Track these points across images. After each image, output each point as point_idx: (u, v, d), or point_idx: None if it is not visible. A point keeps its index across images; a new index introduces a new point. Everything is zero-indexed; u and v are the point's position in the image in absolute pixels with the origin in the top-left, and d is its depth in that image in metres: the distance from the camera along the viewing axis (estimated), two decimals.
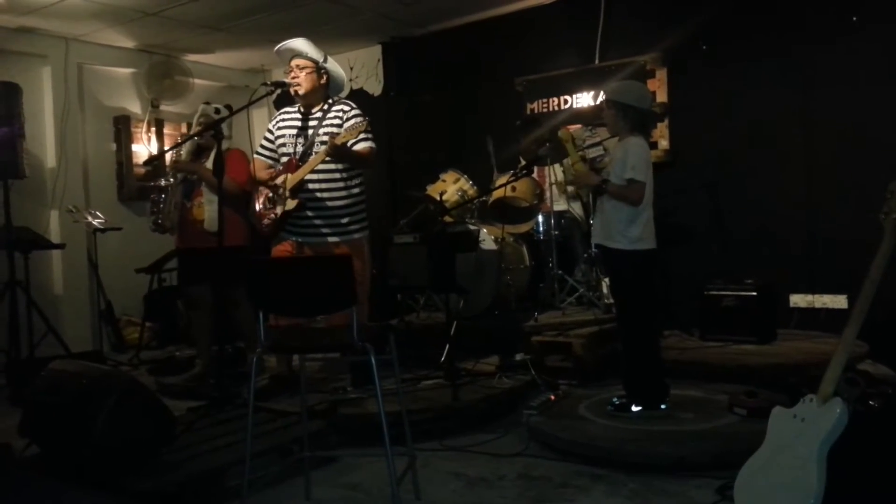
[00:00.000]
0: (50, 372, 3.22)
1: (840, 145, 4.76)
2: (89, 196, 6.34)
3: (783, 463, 2.29)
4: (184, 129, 6.78)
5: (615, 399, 3.56)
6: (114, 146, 6.65)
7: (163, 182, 4.41)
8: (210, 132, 4.22)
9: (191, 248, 4.42)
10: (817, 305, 4.82)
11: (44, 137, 6.12)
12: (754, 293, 4.58)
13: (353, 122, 3.91)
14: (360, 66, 6.99)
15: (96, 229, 5.67)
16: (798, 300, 4.88)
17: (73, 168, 6.24)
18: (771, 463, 2.34)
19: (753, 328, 4.54)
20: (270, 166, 4.13)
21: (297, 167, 3.94)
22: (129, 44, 6.49)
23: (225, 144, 4.39)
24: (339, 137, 3.76)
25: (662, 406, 3.46)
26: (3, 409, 4.35)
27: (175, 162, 4.40)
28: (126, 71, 6.72)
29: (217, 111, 4.48)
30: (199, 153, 4.46)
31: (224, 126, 4.39)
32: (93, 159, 6.47)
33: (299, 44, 4.01)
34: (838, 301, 4.72)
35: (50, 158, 6.16)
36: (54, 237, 5.89)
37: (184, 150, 4.47)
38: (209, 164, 4.37)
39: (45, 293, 5.77)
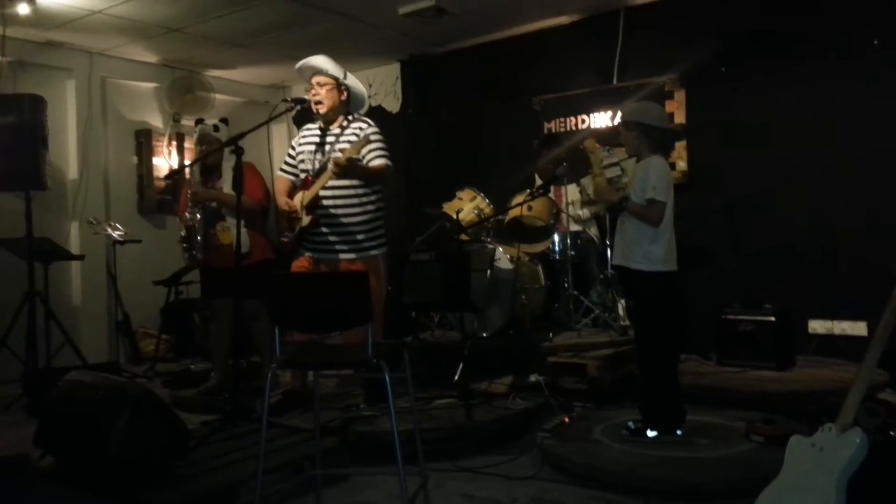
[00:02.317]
0: (67, 383, 3.25)
1: (860, 169, 4.72)
2: (109, 208, 6.41)
3: (801, 493, 2.26)
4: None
5: (631, 423, 3.52)
6: (135, 159, 6.73)
7: (187, 216, 4.43)
8: (217, 150, 4.31)
9: (218, 268, 4.44)
10: (836, 332, 4.76)
11: (66, 149, 6.20)
12: (773, 318, 4.53)
13: (361, 137, 3.92)
14: (378, 84, 7.05)
15: (116, 241, 5.72)
16: (817, 326, 4.83)
17: (94, 180, 6.32)
18: (789, 492, 2.30)
19: (772, 354, 4.48)
20: (293, 182, 4.16)
21: (313, 184, 3.96)
22: (152, 59, 6.58)
23: (232, 160, 4.44)
24: (345, 153, 3.76)
25: (679, 432, 3.42)
26: (20, 418, 4.39)
27: (194, 194, 4.44)
28: (149, 85, 6.81)
29: (215, 128, 4.54)
30: (207, 173, 4.50)
31: (225, 139, 4.45)
32: (114, 172, 6.54)
33: (320, 61, 4.05)
34: (858, 328, 4.66)
35: (72, 170, 6.23)
36: (74, 248, 5.95)
37: (194, 174, 4.51)
38: (223, 184, 4.43)
39: (63, 304, 5.82)
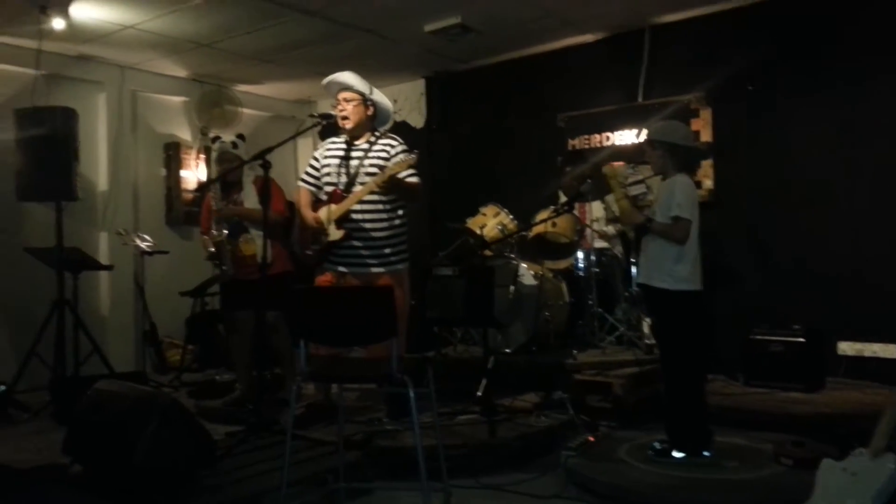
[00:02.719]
0: (95, 391, 3.29)
1: (890, 189, 4.66)
2: (138, 219, 6.49)
3: None
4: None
5: (656, 444, 3.48)
6: (163, 171, 6.81)
7: (214, 233, 4.50)
8: (242, 166, 4.39)
9: (239, 279, 4.49)
10: (867, 354, 4.68)
11: (97, 161, 6.29)
12: (802, 339, 4.48)
13: (401, 156, 3.96)
14: (403, 99, 7.09)
15: (144, 252, 5.79)
16: (846, 348, 4.75)
17: (123, 191, 6.41)
18: None
19: (800, 375, 4.42)
20: (314, 194, 4.20)
21: (342, 198, 3.99)
22: (181, 73, 6.69)
23: (252, 175, 4.51)
24: (389, 170, 3.81)
25: (706, 453, 3.38)
26: (48, 425, 4.44)
27: (218, 212, 4.51)
28: (178, 99, 6.90)
29: (233, 145, 4.61)
30: (228, 188, 4.57)
31: (244, 155, 4.52)
32: (143, 183, 6.63)
33: (346, 77, 4.09)
34: (889, 350, 4.58)
35: (102, 182, 6.33)
36: (103, 258, 6.02)
37: (215, 190, 4.58)
38: (244, 198, 4.50)
39: (91, 313, 5.89)
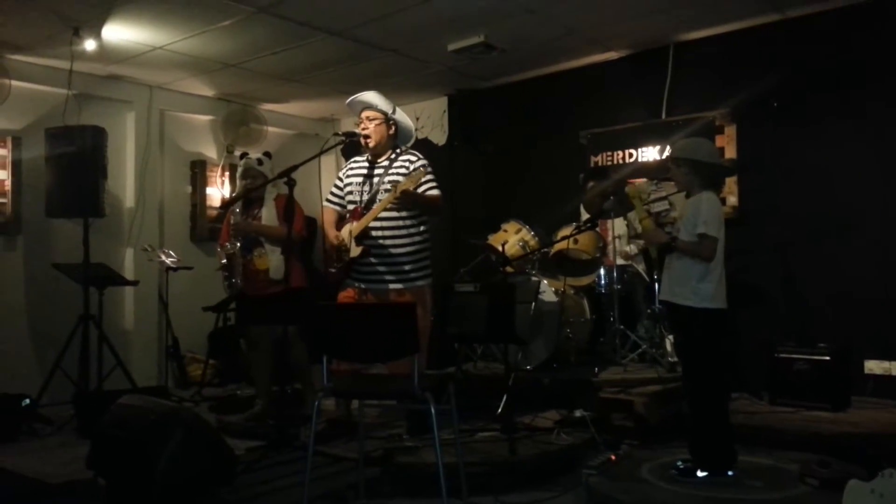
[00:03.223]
0: (119, 406, 3.32)
1: None
2: (164, 235, 6.58)
3: None
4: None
5: (679, 463, 3.44)
6: (189, 188, 6.92)
7: (228, 246, 4.56)
8: (266, 184, 4.46)
9: (253, 295, 4.53)
10: (894, 373, 4.59)
11: (124, 178, 6.40)
12: (827, 357, 4.40)
13: (417, 170, 3.99)
14: (425, 117, 7.14)
15: (168, 268, 5.86)
16: (873, 367, 4.66)
17: (150, 208, 6.51)
18: None
19: (826, 394, 4.35)
20: (339, 213, 4.24)
21: (362, 215, 4.03)
22: (208, 92, 6.80)
23: (274, 192, 4.57)
24: (403, 184, 3.84)
25: (730, 472, 3.32)
26: (71, 439, 4.49)
27: (235, 225, 4.57)
28: (204, 118, 7.02)
29: (259, 161, 4.67)
30: (248, 204, 4.63)
31: (268, 172, 4.58)
32: (169, 200, 6.73)
33: (370, 97, 4.15)
34: None
35: (129, 198, 6.43)
36: (128, 274, 6.10)
37: (236, 205, 4.66)
38: (262, 214, 4.57)
39: (116, 328, 5.97)
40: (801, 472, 3.32)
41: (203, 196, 6.90)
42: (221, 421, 4.64)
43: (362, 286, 4.08)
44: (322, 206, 4.40)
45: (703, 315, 3.36)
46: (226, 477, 3.20)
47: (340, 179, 4.30)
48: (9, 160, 5.63)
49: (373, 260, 4.02)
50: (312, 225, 7.15)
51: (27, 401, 4.74)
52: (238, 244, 4.54)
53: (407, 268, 4.05)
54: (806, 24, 5.03)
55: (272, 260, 4.48)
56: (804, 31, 5.04)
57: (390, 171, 4.08)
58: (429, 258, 4.18)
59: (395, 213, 4.00)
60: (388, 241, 4.02)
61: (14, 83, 5.46)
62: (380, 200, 4.01)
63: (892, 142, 4.71)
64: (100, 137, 5.24)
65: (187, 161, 6.93)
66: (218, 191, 7.00)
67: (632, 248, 5.35)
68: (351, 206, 4.17)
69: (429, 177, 4.03)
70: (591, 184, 5.59)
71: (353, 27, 5.14)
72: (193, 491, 3.03)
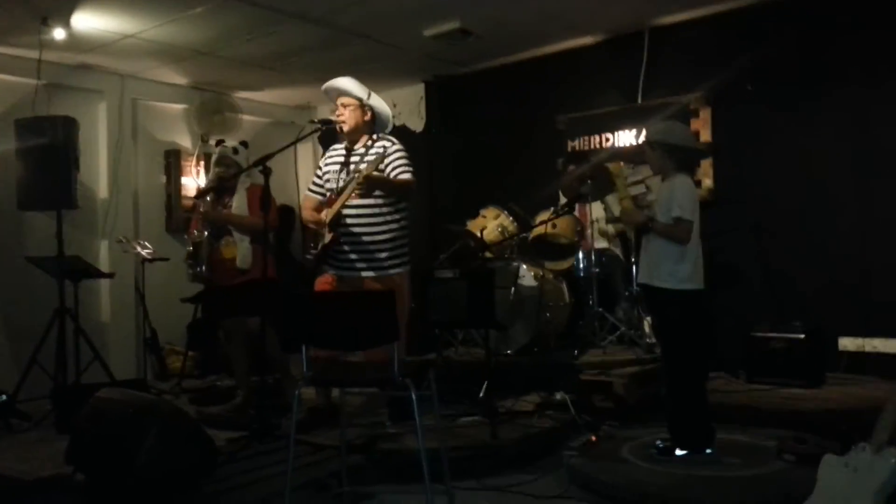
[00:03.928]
0: (96, 400, 3.29)
1: (889, 186, 4.66)
2: (138, 227, 6.50)
3: None
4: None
5: (659, 442, 3.48)
6: (163, 178, 6.83)
7: (196, 234, 4.54)
8: (243, 172, 4.43)
9: (220, 285, 4.51)
10: (867, 349, 4.68)
11: (97, 169, 6.31)
12: (802, 335, 4.48)
13: (395, 156, 3.96)
14: (403, 103, 7.10)
15: (144, 259, 5.80)
16: (847, 343, 4.75)
17: (123, 199, 6.42)
18: None
19: (801, 371, 4.43)
20: (321, 202, 4.21)
21: (335, 201, 4.01)
22: (181, 81, 6.71)
23: (247, 182, 4.53)
24: (364, 170, 3.80)
25: (708, 450, 3.38)
26: (50, 434, 4.44)
27: (205, 213, 4.53)
28: (178, 106, 6.92)
29: (235, 150, 4.64)
30: (220, 192, 4.60)
31: (243, 162, 4.55)
32: (143, 191, 6.65)
33: (344, 82, 4.11)
34: (890, 345, 4.58)
35: (102, 189, 6.34)
36: (103, 266, 6.02)
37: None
38: (233, 203, 4.53)
39: (92, 321, 5.89)
40: (778, 448, 3.39)
41: (178, 186, 6.82)
42: (202, 412, 4.61)
43: (338, 273, 4.06)
44: (300, 194, 4.37)
45: (680, 296, 3.40)
46: (206, 468, 3.19)
47: (320, 168, 4.27)
48: None
49: (346, 247, 4.00)
50: (289, 214, 7.11)
51: (4, 397, 4.68)
52: (206, 233, 4.51)
53: (381, 255, 4.02)
54: (780, 6, 5.06)
55: (240, 249, 4.47)
56: (778, 14, 5.07)
57: (365, 158, 4.05)
58: (406, 245, 4.16)
59: (370, 201, 3.96)
60: (363, 229, 3.98)
61: None
62: None
63: (865, 123, 4.77)
64: (71, 128, 5.14)
65: (161, 151, 6.84)
66: (193, 180, 6.92)
67: (610, 229, 5.39)
68: (329, 194, 4.14)
69: (400, 161, 3.98)
70: (569, 168, 5.61)
71: (328, 13, 5.09)
72: (174, 483, 3.01)
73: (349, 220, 3.96)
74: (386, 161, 3.95)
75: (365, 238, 3.98)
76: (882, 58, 4.71)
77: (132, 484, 2.91)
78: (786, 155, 5.05)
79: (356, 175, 3.86)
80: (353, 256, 4.00)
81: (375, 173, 3.80)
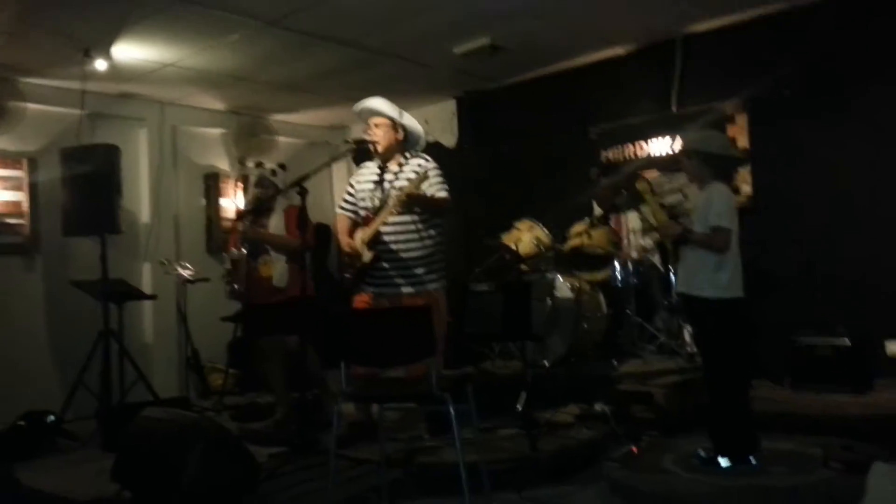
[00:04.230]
0: (141, 419, 3.36)
1: None
2: (180, 249, 6.63)
3: None
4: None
5: (702, 452, 3.43)
6: (203, 201, 6.97)
7: (234, 253, 4.61)
8: (278, 194, 4.50)
9: (258, 304, 4.57)
10: None
11: (139, 194, 6.47)
12: (847, 341, 4.38)
13: (430, 174, 4.01)
14: (435, 120, 7.16)
15: (186, 280, 5.91)
16: (895, 348, 4.61)
17: (165, 223, 6.57)
18: None
19: (847, 378, 4.33)
20: (352, 220, 4.26)
21: (373, 221, 4.05)
22: (219, 106, 6.86)
23: (285, 204, 4.60)
24: (407, 188, 3.85)
25: (752, 459, 3.31)
26: (96, 453, 4.53)
27: (244, 232, 4.61)
28: (216, 131, 7.07)
29: (273, 172, 4.72)
30: (259, 213, 4.67)
31: (281, 183, 4.62)
32: (184, 214, 6.79)
33: (375, 103, 4.18)
34: None
35: (144, 214, 6.50)
36: (146, 288, 6.16)
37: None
38: (271, 223, 4.59)
39: (136, 341, 6.02)
40: (824, 456, 3.31)
41: (217, 208, 6.96)
42: (243, 429, 4.66)
43: (376, 291, 4.10)
44: (335, 213, 4.43)
45: (719, 305, 3.36)
46: (250, 484, 3.23)
47: (352, 186, 4.33)
48: (25, 182, 5.70)
49: (385, 265, 4.04)
50: (325, 232, 7.19)
51: (52, 417, 4.79)
52: (244, 251, 4.58)
53: (419, 272, 4.06)
54: (815, 12, 4.99)
55: (276, 268, 4.52)
56: (813, 20, 5.00)
57: (401, 176, 4.10)
58: (442, 261, 4.19)
59: (406, 218, 4.02)
60: (400, 246, 4.04)
61: (28, 105, 5.54)
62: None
63: None
64: (113, 155, 5.29)
65: (200, 174, 6.99)
66: (232, 202, 7.05)
67: (647, 242, 5.34)
68: (363, 213, 4.20)
69: (437, 178, 4.04)
70: (602, 179, 5.59)
71: (359, 36, 5.18)
72: (218, 499, 3.05)
73: (386, 238, 4.01)
74: (415, 180, 4.00)
75: (402, 255, 4.03)
76: None
77: (177, 500, 2.96)
78: (824, 160, 4.96)
79: (397, 193, 3.91)
80: (391, 273, 4.05)
81: (413, 192, 3.85)
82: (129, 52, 5.23)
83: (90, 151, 5.26)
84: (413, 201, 3.86)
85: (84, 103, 5.74)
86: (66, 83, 5.70)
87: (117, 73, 5.55)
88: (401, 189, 3.96)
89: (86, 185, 5.15)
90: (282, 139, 7.27)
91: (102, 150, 5.27)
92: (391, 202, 3.92)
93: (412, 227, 4.05)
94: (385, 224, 3.99)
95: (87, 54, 5.12)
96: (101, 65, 5.25)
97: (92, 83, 5.68)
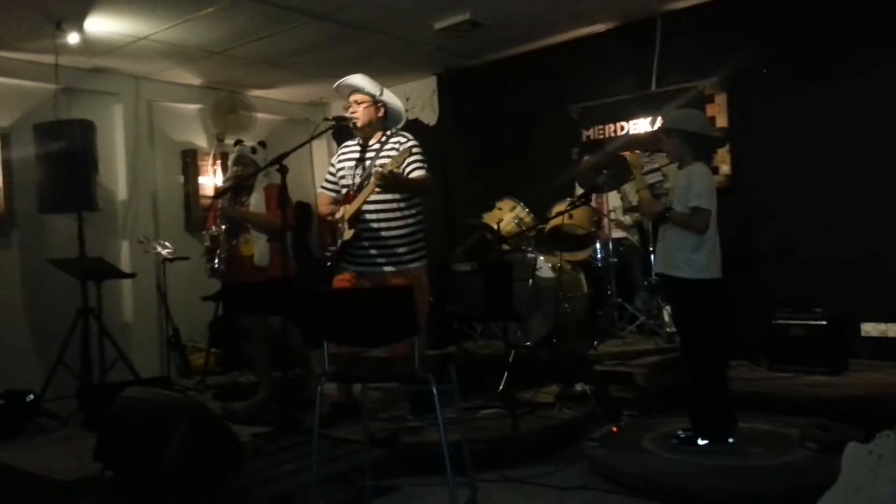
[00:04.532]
0: (123, 398, 3.34)
1: None
2: (158, 227, 6.56)
3: (860, 501, 2.21)
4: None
5: (680, 432, 3.48)
6: (181, 178, 6.88)
7: (214, 230, 4.57)
8: (259, 171, 4.45)
9: (239, 283, 4.54)
10: (891, 335, 4.63)
11: (115, 171, 6.37)
12: (824, 322, 4.46)
13: (402, 151, 3.98)
14: (415, 97, 7.11)
15: (165, 259, 5.86)
16: (870, 329, 4.70)
17: (143, 200, 6.48)
18: (847, 501, 2.26)
19: (824, 358, 4.41)
20: (334, 199, 4.23)
21: (355, 198, 4.03)
22: (195, 81, 6.75)
23: (265, 182, 4.56)
24: (387, 166, 3.82)
25: (730, 439, 3.37)
26: (77, 432, 4.50)
27: (223, 209, 4.56)
28: (193, 107, 6.97)
29: (253, 150, 4.66)
30: (239, 191, 4.63)
31: (261, 161, 4.57)
32: (161, 191, 6.71)
33: (356, 79, 4.12)
34: None
35: (121, 191, 6.41)
36: (125, 266, 6.09)
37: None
38: (251, 201, 4.55)
39: (115, 320, 5.97)
40: (801, 436, 3.37)
41: (195, 185, 6.88)
42: (226, 408, 4.66)
43: (357, 270, 4.09)
44: (316, 191, 4.39)
45: (697, 286, 3.39)
46: (233, 463, 3.23)
47: (333, 165, 4.29)
48: None
49: (365, 243, 4.02)
50: (306, 210, 7.14)
51: (31, 396, 4.75)
52: (224, 227, 4.54)
53: (400, 251, 4.05)
54: None
55: (258, 247, 4.49)
56: None
57: (381, 154, 4.07)
58: (423, 240, 4.18)
59: (388, 196, 3.99)
60: (381, 224, 4.02)
61: (0, 80, 5.41)
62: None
63: (883, 105, 4.71)
64: (88, 131, 5.20)
65: (178, 151, 6.89)
66: (210, 179, 6.97)
67: (627, 219, 5.37)
68: (344, 191, 4.16)
69: (415, 157, 3.99)
70: (584, 158, 5.59)
71: (337, 9, 5.10)
72: (201, 479, 3.05)
73: (368, 216, 3.99)
74: (397, 158, 3.97)
75: (384, 233, 4.01)
76: (893, 36, 4.64)
77: (161, 479, 2.96)
78: (802, 139, 5.00)
79: (378, 170, 3.88)
80: (373, 252, 4.03)
81: (397, 170, 3.82)
82: (102, 24, 5.11)
83: (65, 127, 5.17)
84: (393, 180, 3.82)
85: (58, 77, 5.60)
86: (39, 57, 5.56)
87: (91, 46, 5.43)
88: (382, 167, 3.93)
89: (61, 162, 5.07)
90: (260, 115, 7.17)
91: (77, 126, 5.18)
92: (373, 180, 3.89)
93: (394, 205, 4.03)
94: (367, 202, 3.97)
95: (59, 27, 5.00)
96: (73, 38, 5.13)
97: (65, 57, 5.55)
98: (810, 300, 4.66)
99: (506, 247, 5.05)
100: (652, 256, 4.82)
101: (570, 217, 5.03)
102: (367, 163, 4.09)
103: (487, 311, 4.35)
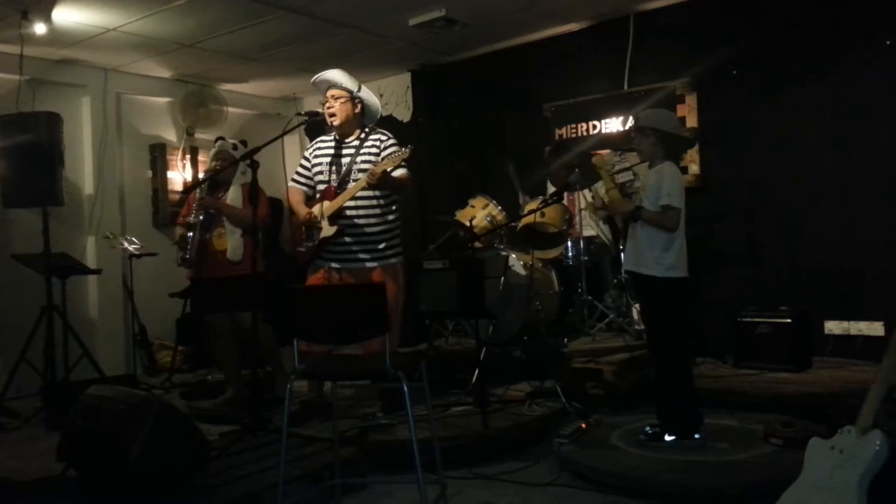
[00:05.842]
0: (87, 397, 3.28)
1: (876, 169, 4.70)
2: (125, 222, 6.47)
3: (822, 495, 2.26)
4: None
5: (648, 428, 3.52)
6: (149, 173, 6.79)
7: (191, 219, 4.51)
8: (230, 166, 4.40)
9: (210, 277, 4.49)
10: (853, 332, 4.73)
11: (82, 165, 6.27)
12: (789, 320, 4.53)
13: (391, 150, 3.97)
14: (389, 93, 7.09)
15: (132, 255, 5.77)
16: (833, 327, 4.80)
17: (109, 195, 6.38)
18: (809, 495, 2.30)
19: (788, 356, 4.48)
20: (305, 193, 4.20)
21: (336, 195, 4.00)
22: (165, 74, 6.66)
23: (242, 179, 4.51)
24: (380, 165, 3.82)
25: (696, 436, 3.41)
26: (40, 431, 4.43)
27: (201, 199, 4.51)
28: (162, 100, 6.87)
29: (234, 147, 4.63)
30: (215, 186, 4.58)
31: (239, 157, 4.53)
32: (129, 186, 6.61)
33: (334, 74, 4.10)
34: (875, 328, 4.63)
35: (88, 185, 6.30)
36: (91, 262, 6.00)
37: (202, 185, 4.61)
38: (228, 196, 4.50)
39: (80, 317, 5.87)
40: (765, 432, 3.43)
41: (164, 180, 6.79)
42: (193, 407, 4.61)
43: (336, 265, 4.07)
44: (287, 186, 4.36)
45: (666, 284, 3.43)
46: (199, 463, 3.19)
47: (307, 160, 4.25)
48: None
49: (347, 239, 4.01)
50: (277, 206, 7.08)
51: None
52: (200, 217, 4.49)
53: (381, 246, 4.05)
54: None
55: (231, 241, 4.45)
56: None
57: (362, 151, 4.06)
58: (400, 236, 4.19)
59: (369, 193, 3.99)
60: (363, 220, 4.01)
61: None
62: (354, 180, 3.98)
63: (850, 107, 4.80)
64: (55, 124, 5.09)
65: (146, 145, 6.79)
66: (179, 174, 6.88)
67: (597, 216, 5.40)
68: (321, 186, 4.13)
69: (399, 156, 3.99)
70: (556, 156, 5.62)
71: (310, 3, 5.06)
72: (167, 478, 3.01)
73: (349, 213, 3.98)
74: (382, 156, 3.96)
75: (366, 229, 4.01)
76: (863, 42, 4.73)
77: (126, 480, 2.91)
78: (771, 140, 5.08)
79: (371, 169, 3.85)
80: (354, 247, 4.03)
81: (389, 170, 3.82)
82: (70, 15, 5.02)
83: (30, 119, 5.06)
84: (384, 179, 3.83)
85: (23, 69, 5.49)
86: (4, 47, 5.45)
87: (58, 37, 5.34)
88: (370, 164, 3.92)
89: (26, 155, 4.96)
90: (231, 109, 7.09)
91: (43, 119, 5.07)
92: (364, 177, 3.87)
93: (374, 202, 4.03)
94: (349, 199, 3.96)
95: (26, 17, 4.91)
96: (40, 28, 5.04)
97: (31, 47, 5.44)
98: (776, 298, 4.74)
99: (478, 244, 5.06)
100: (622, 254, 4.86)
101: (543, 215, 5.05)
102: (347, 160, 4.07)
103: (459, 309, 4.35)
